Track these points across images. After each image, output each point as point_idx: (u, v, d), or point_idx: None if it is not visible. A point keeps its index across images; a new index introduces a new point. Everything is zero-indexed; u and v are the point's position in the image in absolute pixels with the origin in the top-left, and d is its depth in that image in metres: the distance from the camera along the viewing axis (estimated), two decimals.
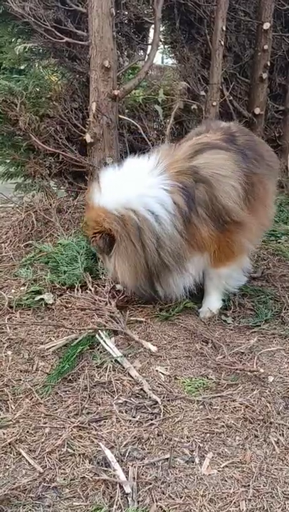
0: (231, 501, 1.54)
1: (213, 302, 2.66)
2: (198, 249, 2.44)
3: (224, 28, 4.16)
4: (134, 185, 2.38)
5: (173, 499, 1.53)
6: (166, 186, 2.34)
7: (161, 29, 4.53)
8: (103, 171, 2.60)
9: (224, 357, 2.25)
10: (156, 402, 1.93)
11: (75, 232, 3.37)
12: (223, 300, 2.72)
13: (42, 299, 2.67)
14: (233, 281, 2.71)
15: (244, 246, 2.57)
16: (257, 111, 4.82)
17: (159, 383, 2.07)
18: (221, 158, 2.45)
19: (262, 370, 2.14)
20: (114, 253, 2.40)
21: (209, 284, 2.63)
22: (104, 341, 2.29)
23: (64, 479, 1.59)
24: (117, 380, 2.07)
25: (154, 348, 2.27)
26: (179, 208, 2.33)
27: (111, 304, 2.57)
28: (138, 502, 1.52)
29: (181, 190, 2.34)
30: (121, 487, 1.56)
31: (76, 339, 2.28)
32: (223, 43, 4.21)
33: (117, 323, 2.42)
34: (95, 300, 2.62)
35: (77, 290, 2.73)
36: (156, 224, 2.32)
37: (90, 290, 2.71)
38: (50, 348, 2.27)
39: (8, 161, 4.00)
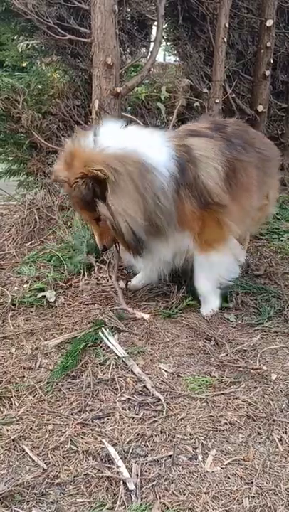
0: (234, 498, 1.54)
1: (210, 300, 2.63)
2: (181, 226, 2.44)
3: (227, 25, 4.15)
4: (141, 137, 2.39)
5: (176, 496, 1.54)
6: (170, 151, 2.38)
7: (164, 26, 4.51)
8: (102, 124, 2.44)
9: (227, 354, 2.26)
10: (160, 400, 1.94)
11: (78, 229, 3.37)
12: (226, 298, 2.71)
13: (44, 297, 2.68)
14: (226, 271, 2.64)
15: (227, 226, 2.54)
16: (260, 108, 4.81)
17: (162, 380, 2.07)
18: (203, 142, 2.51)
19: (265, 368, 2.14)
20: (113, 192, 2.21)
21: (200, 275, 2.59)
22: (108, 338, 2.29)
23: (68, 476, 1.59)
24: (120, 377, 2.07)
25: (147, 316, 2.27)
26: (174, 173, 2.35)
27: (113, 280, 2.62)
28: (141, 499, 1.52)
29: (177, 160, 2.38)
30: (124, 484, 1.56)
31: (79, 335, 2.29)
32: (225, 40, 4.20)
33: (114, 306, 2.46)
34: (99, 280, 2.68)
35: (83, 275, 2.75)
36: (155, 175, 2.29)
37: (97, 278, 2.74)
38: (53, 344, 2.27)
39: (10, 158, 4.01)
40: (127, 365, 2.15)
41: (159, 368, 2.15)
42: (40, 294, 2.69)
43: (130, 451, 1.70)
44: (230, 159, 2.51)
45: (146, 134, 2.48)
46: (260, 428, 1.83)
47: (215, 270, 2.59)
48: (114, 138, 2.29)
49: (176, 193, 2.36)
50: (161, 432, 1.79)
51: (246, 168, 2.61)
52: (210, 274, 2.60)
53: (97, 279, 2.67)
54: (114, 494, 1.53)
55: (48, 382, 2.02)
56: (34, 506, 1.49)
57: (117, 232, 2.30)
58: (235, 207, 2.54)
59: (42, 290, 2.73)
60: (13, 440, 1.72)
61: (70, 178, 2.26)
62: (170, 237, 2.43)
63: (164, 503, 1.50)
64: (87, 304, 2.63)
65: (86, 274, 2.76)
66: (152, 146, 2.36)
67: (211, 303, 2.64)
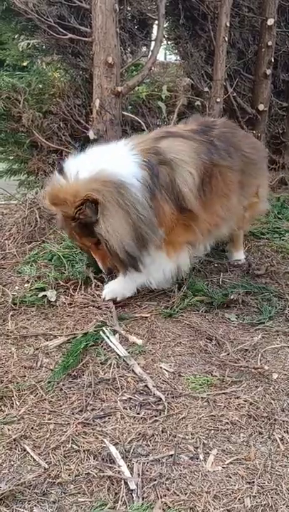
0: (236, 498, 1.54)
1: (119, 284, 2.61)
2: (161, 227, 2.46)
3: (228, 24, 4.15)
4: (106, 158, 2.42)
5: (177, 495, 1.54)
6: (135, 159, 2.41)
7: (165, 25, 4.51)
8: (68, 158, 2.53)
9: (228, 354, 2.25)
10: (161, 399, 1.93)
11: None
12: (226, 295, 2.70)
13: (45, 296, 2.68)
14: (161, 277, 2.64)
15: (191, 234, 2.58)
16: (261, 107, 4.81)
17: (163, 380, 2.07)
18: (180, 145, 2.52)
19: (266, 367, 2.14)
20: (102, 214, 2.30)
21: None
22: (109, 338, 2.29)
23: (69, 475, 1.59)
24: (121, 376, 2.07)
25: (140, 342, 2.28)
26: (145, 180, 2.37)
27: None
28: (143, 498, 1.52)
29: (146, 165, 2.40)
30: (126, 483, 1.56)
31: (80, 335, 2.28)
32: (226, 39, 4.20)
33: (110, 319, 2.45)
34: (95, 297, 2.64)
35: (80, 287, 2.74)
36: (128, 188, 2.33)
37: (93, 295, 2.72)
38: (54, 344, 2.27)
39: (11, 157, 4.01)
40: (128, 364, 2.14)
41: (160, 367, 2.15)
42: (41, 294, 2.68)
43: (131, 450, 1.70)
44: (207, 164, 2.52)
45: (109, 150, 2.51)
46: (261, 427, 1.83)
47: (156, 267, 2.59)
48: (83, 165, 2.35)
49: (152, 200, 2.39)
50: (163, 432, 1.79)
51: (224, 174, 2.62)
52: (151, 268, 2.58)
53: (93, 295, 2.67)
54: (116, 494, 1.53)
55: (49, 382, 2.02)
56: (35, 506, 1.49)
57: (112, 253, 2.37)
58: (208, 214, 2.57)
59: (43, 289, 2.72)
60: (14, 440, 1.72)
61: (68, 212, 2.34)
62: (157, 239, 2.44)
63: (165, 503, 1.50)
64: (87, 304, 2.62)
65: (83, 286, 2.75)
66: (118, 161, 2.39)
67: (116, 287, 2.62)
